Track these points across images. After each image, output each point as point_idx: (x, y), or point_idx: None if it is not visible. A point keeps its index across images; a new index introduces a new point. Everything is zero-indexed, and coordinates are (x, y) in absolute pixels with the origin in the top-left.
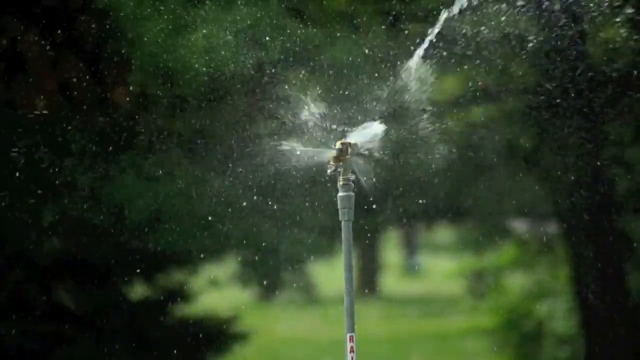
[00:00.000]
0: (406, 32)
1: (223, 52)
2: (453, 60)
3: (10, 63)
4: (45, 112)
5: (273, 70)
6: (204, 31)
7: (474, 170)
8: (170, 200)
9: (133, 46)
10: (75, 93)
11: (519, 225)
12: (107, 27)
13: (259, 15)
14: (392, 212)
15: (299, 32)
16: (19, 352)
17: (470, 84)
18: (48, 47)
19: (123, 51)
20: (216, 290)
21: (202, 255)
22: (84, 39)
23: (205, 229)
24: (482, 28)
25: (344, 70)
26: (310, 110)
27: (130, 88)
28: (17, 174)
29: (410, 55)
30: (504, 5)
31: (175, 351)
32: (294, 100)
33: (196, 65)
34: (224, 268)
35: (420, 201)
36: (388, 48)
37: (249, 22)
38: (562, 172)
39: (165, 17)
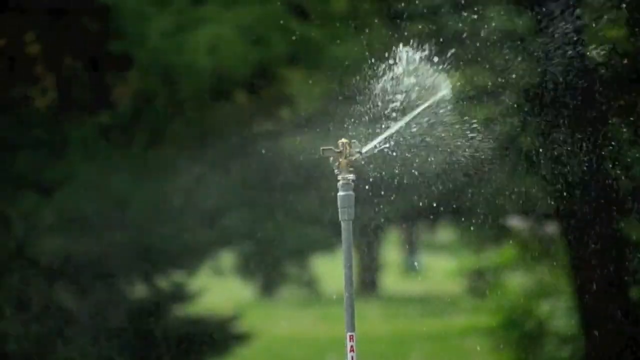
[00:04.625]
0: (406, 31)
1: (226, 51)
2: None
3: (11, 61)
4: (45, 109)
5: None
6: (207, 30)
7: (475, 170)
8: (171, 197)
9: (136, 44)
10: (76, 90)
11: (519, 225)
12: (109, 25)
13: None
14: (392, 211)
15: (301, 30)
16: (19, 352)
17: (469, 83)
18: (49, 45)
19: (125, 49)
20: (217, 288)
21: (202, 252)
22: (85, 36)
23: (206, 226)
24: (483, 28)
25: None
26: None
27: (132, 85)
28: (17, 172)
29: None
30: (504, 6)
31: (175, 351)
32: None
33: (199, 63)
34: (225, 265)
35: (421, 200)
36: (390, 47)
37: (252, 21)
38: (562, 172)
39: (169, 15)
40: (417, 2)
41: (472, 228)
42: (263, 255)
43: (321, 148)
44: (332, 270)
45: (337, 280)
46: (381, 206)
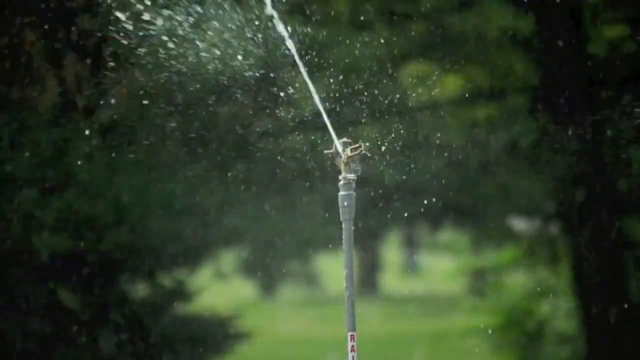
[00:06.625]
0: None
1: (228, 51)
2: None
3: (12, 61)
4: (45, 109)
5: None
6: (210, 30)
7: (476, 170)
8: (172, 196)
9: (137, 44)
10: (76, 90)
11: (520, 224)
12: (110, 25)
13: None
14: (393, 212)
15: (304, 31)
16: (19, 352)
17: (471, 83)
18: (50, 45)
19: (126, 49)
20: (218, 287)
21: (203, 252)
22: (86, 37)
23: (207, 225)
24: (484, 28)
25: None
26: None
27: (132, 85)
28: (17, 172)
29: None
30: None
31: (175, 350)
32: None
33: (200, 63)
34: (226, 265)
35: (422, 201)
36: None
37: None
38: (563, 172)
39: (171, 15)
40: (418, 1)
41: (472, 228)
42: (264, 255)
43: (335, 146)
44: (332, 270)
45: (337, 280)
46: (382, 206)
